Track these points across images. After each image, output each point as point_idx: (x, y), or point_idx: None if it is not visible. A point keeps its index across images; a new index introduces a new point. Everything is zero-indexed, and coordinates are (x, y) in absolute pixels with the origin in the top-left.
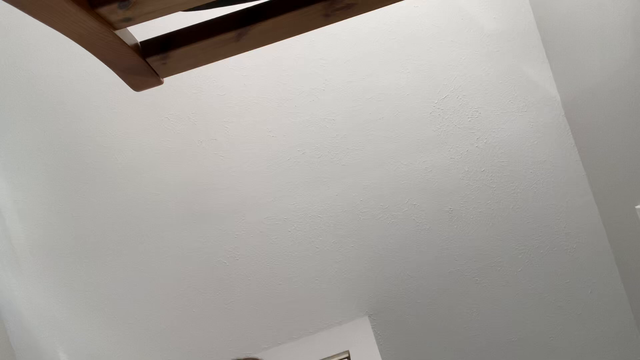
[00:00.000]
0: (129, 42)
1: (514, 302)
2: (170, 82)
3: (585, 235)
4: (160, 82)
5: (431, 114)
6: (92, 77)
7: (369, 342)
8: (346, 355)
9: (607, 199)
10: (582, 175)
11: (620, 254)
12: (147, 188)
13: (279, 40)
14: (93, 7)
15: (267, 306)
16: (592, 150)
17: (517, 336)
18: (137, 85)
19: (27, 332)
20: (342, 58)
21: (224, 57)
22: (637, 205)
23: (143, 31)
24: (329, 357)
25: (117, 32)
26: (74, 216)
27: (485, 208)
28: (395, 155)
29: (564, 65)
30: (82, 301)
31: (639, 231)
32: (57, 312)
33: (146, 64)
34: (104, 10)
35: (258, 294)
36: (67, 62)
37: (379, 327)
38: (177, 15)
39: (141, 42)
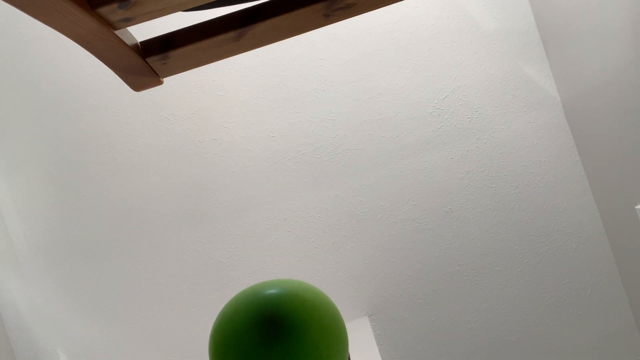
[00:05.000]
0: (129, 42)
1: (514, 302)
2: (171, 82)
3: (585, 235)
4: (160, 82)
5: (431, 114)
6: (92, 77)
7: (369, 342)
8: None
9: (607, 199)
10: (582, 175)
11: (620, 254)
12: (147, 188)
13: (279, 40)
14: (93, 7)
15: None
16: (592, 150)
17: (517, 336)
18: (137, 85)
19: (27, 332)
20: (342, 58)
21: (224, 57)
22: (637, 205)
23: (143, 31)
24: None
25: (117, 32)
26: (74, 216)
27: (485, 208)
28: (395, 155)
29: (564, 65)
30: (82, 301)
31: (639, 231)
32: (57, 312)
33: (146, 64)
34: (104, 10)
35: None
36: (67, 62)
37: (379, 327)
38: (177, 15)
39: (141, 42)
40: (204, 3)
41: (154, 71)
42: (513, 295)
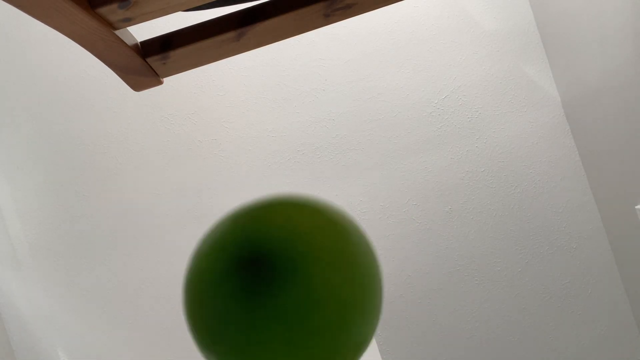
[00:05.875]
0: (129, 42)
1: (514, 302)
2: (170, 82)
3: (585, 235)
4: (160, 82)
5: (431, 114)
6: (91, 77)
7: None
8: None
9: (607, 199)
10: (582, 175)
11: (620, 254)
12: (147, 188)
13: (279, 40)
14: (93, 7)
15: None
16: (592, 150)
17: (517, 336)
18: (137, 85)
19: (27, 332)
20: (342, 58)
21: (224, 57)
22: (637, 205)
23: (143, 31)
24: None
25: (117, 32)
26: (74, 216)
27: (485, 208)
28: (395, 155)
29: (564, 65)
30: (82, 301)
31: (639, 231)
32: (57, 312)
33: (146, 64)
34: (104, 10)
35: None
36: (67, 62)
37: (379, 327)
38: (177, 15)
39: (141, 42)
40: (204, 3)
41: (154, 71)
42: (513, 295)
